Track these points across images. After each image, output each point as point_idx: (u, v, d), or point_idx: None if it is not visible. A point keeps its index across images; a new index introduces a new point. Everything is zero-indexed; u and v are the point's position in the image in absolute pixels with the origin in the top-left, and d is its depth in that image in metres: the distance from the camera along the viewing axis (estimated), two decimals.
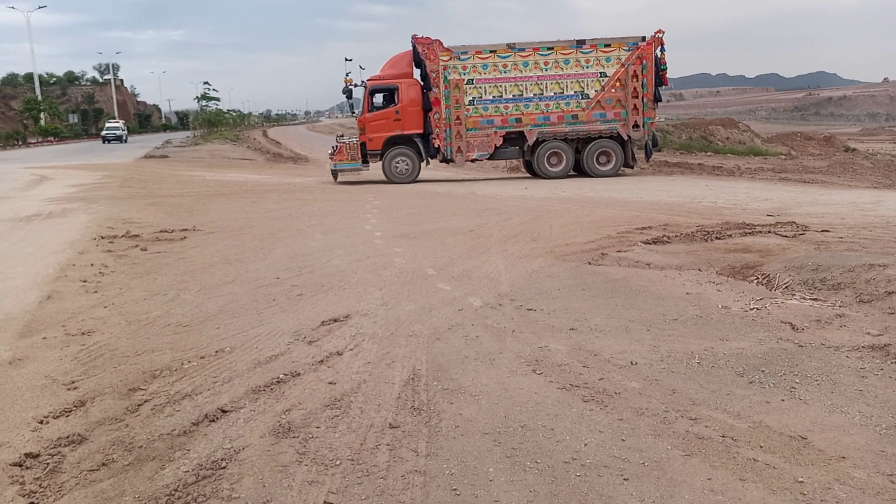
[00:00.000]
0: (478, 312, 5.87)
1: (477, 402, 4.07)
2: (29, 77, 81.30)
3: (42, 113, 67.82)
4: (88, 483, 3.31)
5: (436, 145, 18.67)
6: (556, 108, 18.56)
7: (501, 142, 18.69)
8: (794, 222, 9.94)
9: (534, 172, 19.27)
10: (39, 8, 70.84)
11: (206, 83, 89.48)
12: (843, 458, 3.34)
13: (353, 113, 19.54)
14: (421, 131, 18.70)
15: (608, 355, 4.77)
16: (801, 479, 3.15)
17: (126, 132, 61.79)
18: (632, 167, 19.41)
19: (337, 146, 19.23)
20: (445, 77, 18.42)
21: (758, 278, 6.90)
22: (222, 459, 3.44)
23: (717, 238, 8.88)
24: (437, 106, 18.51)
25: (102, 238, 9.90)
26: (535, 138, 18.59)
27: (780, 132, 49.74)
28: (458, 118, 18.50)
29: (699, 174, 20.76)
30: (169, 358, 4.92)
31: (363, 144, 18.84)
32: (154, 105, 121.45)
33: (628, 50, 18.42)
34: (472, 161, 19.13)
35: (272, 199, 15.41)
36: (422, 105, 18.58)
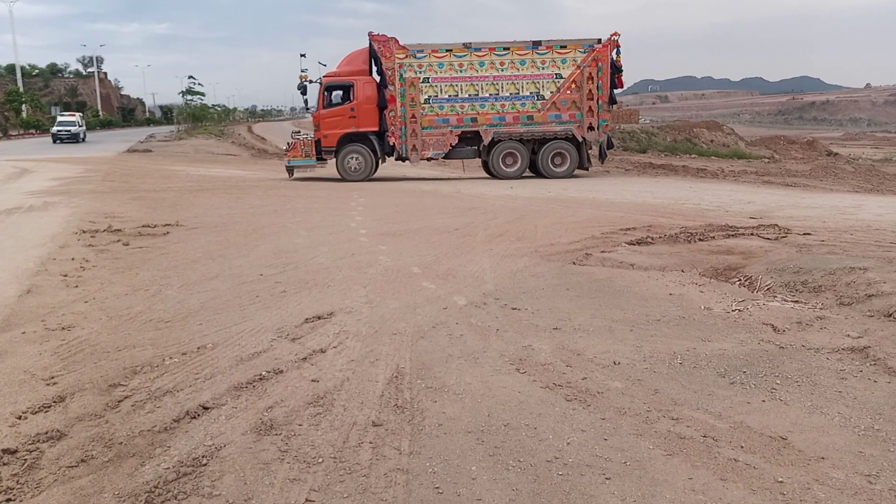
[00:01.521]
0: (462, 311, 5.87)
1: (460, 400, 4.07)
2: (11, 68, 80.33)
3: (24, 105, 67.03)
4: (67, 479, 3.28)
5: (391, 143, 18.72)
6: (512, 108, 18.65)
7: (457, 141, 18.78)
8: (777, 225, 10.02)
9: (491, 173, 19.36)
10: None
11: (190, 77, 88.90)
12: (823, 458, 3.38)
13: (307, 109, 19.64)
14: (376, 129, 18.74)
15: (591, 355, 4.79)
16: (780, 479, 3.18)
17: (84, 128, 49.71)
18: (587, 169, 19.49)
19: (292, 142, 19.24)
20: (401, 75, 18.47)
21: (740, 280, 6.96)
22: (203, 456, 3.42)
23: (700, 240, 8.94)
24: (393, 104, 18.55)
25: (84, 232, 9.80)
26: (490, 138, 18.69)
27: (763, 136, 50.19)
28: (413, 116, 18.55)
29: (683, 176, 20.90)
30: (150, 354, 4.88)
31: (318, 141, 18.84)
32: (138, 99, 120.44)
33: (584, 52, 18.51)
34: (428, 160, 19.27)
35: (256, 194, 15.33)
36: (377, 102, 18.58)
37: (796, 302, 6.06)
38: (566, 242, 8.98)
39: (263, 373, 4.47)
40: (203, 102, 70.40)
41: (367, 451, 3.46)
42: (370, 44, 18.56)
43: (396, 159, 19.21)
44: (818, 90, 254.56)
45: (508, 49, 18.48)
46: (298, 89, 18.78)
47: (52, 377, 4.47)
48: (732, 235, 9.24)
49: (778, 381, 4.31)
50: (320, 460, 3.38)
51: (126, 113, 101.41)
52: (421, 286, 6.74)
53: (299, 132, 20.63)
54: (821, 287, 6.34)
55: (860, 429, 3.68)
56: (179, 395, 4.16)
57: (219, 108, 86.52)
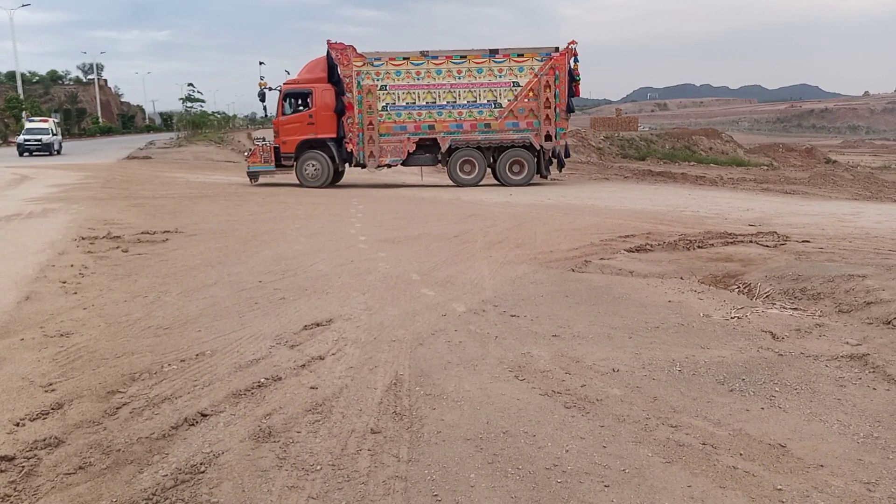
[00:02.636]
0: (461, 318, 5.86)
1: (459, 407, 4.06)
2: (11, 75, 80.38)
3: (24, 112, 67.05)
4: (65, 487, 3.27)
5: (349, 149, 18.93)
6: (470, 116, 18.72)
7: (415, 148, 18.89)
8: (776, 232, 10.03)
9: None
10: (23, 6, 69.93)
11: (190, 84, 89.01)
12: (822, 466, 3.37)
13: (266, 116, 20.01)
14: (334, 135, 18.95)
15: (590, 362, 4.79)
16: (779, 487, 3.17)
17: (59, 136, 41.50)
18: (545, 177, 19.50)
19: (252, 148, 19.50)
20: (359, 82, 18.66)
21: (739, 287, 6.96)
22: (201, 464, 3.41)
23: (699, 247, 8.95)
24: (351, 111, 18.76)
25: (83, 239, 9.80)
26: (447, 145, 18.79)
27: (762, 143, 50.29)
28: (370, 123, 18.72)
29: (682, 183, 20.93)
30: (149, 361, 4.87)
31: (277, 148, 19.11)
32: (138, 106, 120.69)
33: (541, 60, 18.54)
34: (387, 167, 19.36)
35: (256, 201, 15.34)
36: (335, 109, 18.82)
37: (795, 309, 6.06)
38: (565, 249, 8.98)
39: (262, 380, 4.46)
40: (203, 109, 70.55)
41: (365, 458, 3.46)
42: (328, 52, 18.82)
43: (353, 166, 19.42)
44: (817, 98, 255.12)
45: (465, 57, 18.60)
46: (258, 96, 19.17)
47: (51, 384, 4.46)
48: (731, 243, 9.25)
49: (777, 389, 4.30)
50: (318, 467, 3.37)
51: (126, 120, 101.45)
52: (420, 293, 6.74)
53: (263, 139, 20.80)
54: (820, 294, 6.34)
55: (859, 436, 3.68)
56: (178, 402, 4.15)
57: (219, 115, 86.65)
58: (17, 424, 3.90)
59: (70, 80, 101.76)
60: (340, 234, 10.59)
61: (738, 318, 5.75)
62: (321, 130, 18.88)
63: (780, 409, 4.03)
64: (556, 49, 18.61)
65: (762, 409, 4.03)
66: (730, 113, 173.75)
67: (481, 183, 19.04)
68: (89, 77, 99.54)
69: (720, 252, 8.64)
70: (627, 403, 4.10)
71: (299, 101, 19.08)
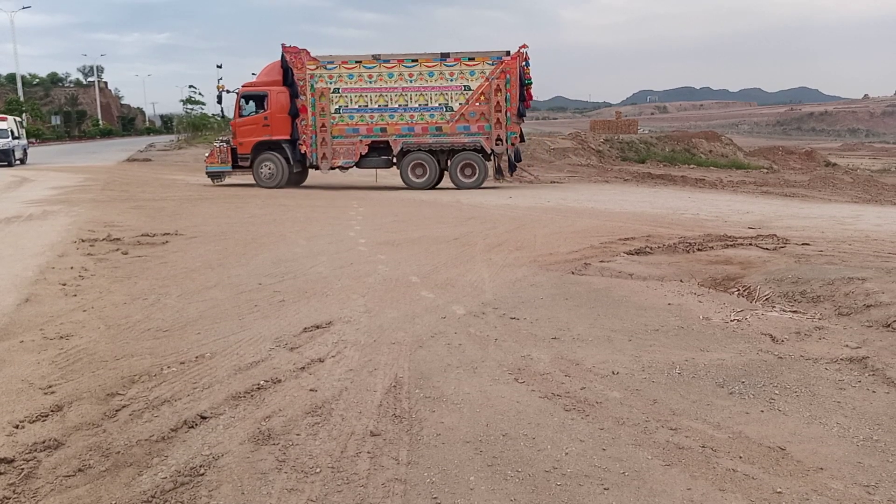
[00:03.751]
0: (461, 321, 5.86)
1: (459, 410, 4.06)
2: (11, 78, 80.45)
3: (24, 114, 67.13)
4: (64, 489, 3.27)
5: (302, 151, 19.20)
6: (421, 119, 18.79)
7: (367, 150, 19.04)
8: (775, 235, 10.04)
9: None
10: (24, 8, 70.16)
11: (191, 86, 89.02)
12: (822, 469, 3.37)
13: (222, 118, 20.45)
14: (289, 137, 19.25)
15: (590, 365, 4.79)
16: (779, 490, 3.17)
17: (22, 140, 33.34)
18: (497, 180, 19.51)
19: (210, 150, 20.07)
20: (312, 85, 18.88)
21: (739, 290, 6.96)
22: (201, 466, 3.41)
23: (699, 250, 8.95)
24: (304, 113, 19.00)
25: (83, 241, 9.80)
26: (399, 148, 18.91)
27: (762, 146, 50.33)
28: (323, 125, 18.95)
29: (682, 186, 20.95)
30: (148, 363, 4.87)
31: (234, 149, 19.56)
32: (138, 108, 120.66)
33: (492, 64, 18.53)
34: (341, 169, 19.55)
35: (256, 204, 15.34)
36: (289, 111, 19.10)
37: (795, 312, 6.06)
38: (565, 252, 8.98)
39: (261, 382, 4.46)
40: (203, 112, 70.53)
41: (364, 460, 3.46)
42: (282, 55, 19.13)
43: (307, 167, 19.72)
44: (816, 101, 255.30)
45: (417, 61, 18.67)
46: (216, 99, 19.59)
47: (50, 386, 4.46)
48: (731, 245, 9.25)
49: (776, 392, 4.30)
50: (318, 470, 3.37)
51: (126, 122, 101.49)
52: (420, 295, 6.74)
53: (227, 140, 21.09)
54: (819, 297, 6.35)
55: (859, 439, 3.68)
56: (177, 405, 4.15)
57: (219, 118, 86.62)
58: (17, 426, 3.89)
59: (70, 82, 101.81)
60: (340, 236, 10.59)
61: (738, 320, 5.75)
62: (276, 132, 19.26)
63: (780, 411, 4.03)
64: (507, 53, 18.63)
65: (762, 411, 4.03)
66: (729, 116, 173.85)
67: (439, 186, 19.12)
68: (89, 79, 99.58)
69: (720, 255, 8.64)
70: (627, 406, 4.10)
71: (256, 104, 19.52)
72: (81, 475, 3.38)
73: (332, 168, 19.30)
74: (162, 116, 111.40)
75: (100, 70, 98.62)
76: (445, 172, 19.23)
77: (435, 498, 3.14)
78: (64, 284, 7.23)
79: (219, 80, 19.37)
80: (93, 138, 75.17)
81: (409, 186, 18.95)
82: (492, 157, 18.94)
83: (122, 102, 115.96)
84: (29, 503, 3.16)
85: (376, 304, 6.44)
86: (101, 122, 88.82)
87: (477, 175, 18.91)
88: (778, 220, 12.46)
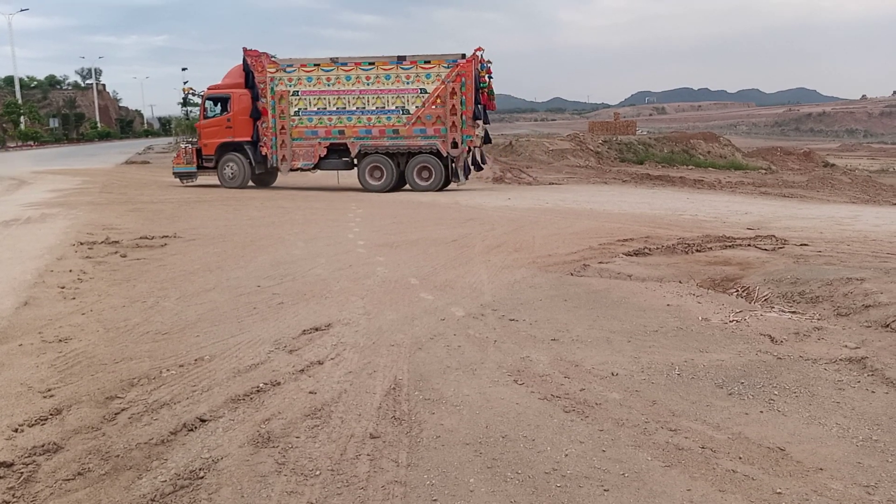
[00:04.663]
0: (460, 322, 5.86)
1: (458, 412, 4.06)
2: (10, 80, 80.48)
3: (22, 117, 67.15)
4: (63, 493, 3.26)
5: (263, 153, 19.56)
6: (378, 122, 18.88)
7: (326, 152, 19.25)
8: (774, 236, 10.04)
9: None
10: (21, 11, 70.10)
11: (191, 89, 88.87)
12: (821, 469, 3.37)
13: (187, 119, 21.15)
14: (250, 139, 19.68)
15: (589, 366, 4.79)
16: (779, 491, 3.17)
17: None
18: (454, 183, 19.46)
19: (177, 151, 20.92)
20: (272, 88, 19.19)
21: (737, 291, 6.96)
22: (200, 469, 3.41)
23: (697, 251, 8.96)
24: (265, 115, 19.36)
25: (81, 244, 9.79)
26: (357, 151, 19.05)
27: (760, 147, 50.37)
28: (283, 128, 19.28)
29: (681, 187, 20.97)
30: (147, 366, 4.87)
31: (199, 150, 20.25)
32: (136, 110, 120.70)
33: (448, 67, 18.53)
34: (301, 170, 19.91)
35: (254, 206, 15.34)
36: (251, 114, 19.53)
37: (794, 313, 6.06)
38: (564, 253, 8.99)
39: (261, 385, 4.46)
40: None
41: (364, 463, 3.46)
42: (244, 58, 19.52)
43: (269, 168, 19.98)
44: (815, 102, 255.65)
45: (374, 64, 18.77)
46: (181, 101, 20.54)
47: (49, 389, 4.46)
48: (730, 246, 9.26)
49: (776, 392, 4.31)
50: (318, 473, 3.37)
51: (124, 125, 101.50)
52: (419, 297, 6.74)
53: (195, 141, 21.65)
54: (818, 298, 6.35)
55: (858, 439, 3.68)
56: (177, 408, 4.15)
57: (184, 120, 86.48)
58: (16, 430, 3.89)
59: (68, 84, 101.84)
60: (339, 238, 10.59)
61: (737, 321, 5.75)
62: (238, 134, 19.72)
63: (779, 412, 4.04)
64: (463, 56, 18.62)
65: (761, 412, 4.04)
66: (728, 117, 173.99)
67: (400, 188, 19.13)
68: (88, 82, 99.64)
69: (718, 255, 8.64)
70: (626, 407, 4.10)
71: (220, 106, 19.99)
72: (81, 479, 3.38)
73: (292, 169, 19.67)
74: (160, 118, 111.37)
75: (98, 72, 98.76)
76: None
77: (435, 500, 3.14)
78: (62, 287, 7.23)
79: (184, 83, 20.25)
80: (91, 141, 75.10)
81: (367, 189, 19.06)
82: (448, 160, 18.81)
83: (121, 105, 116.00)
84: None
85: (375, 306, 6.44)
86: (99, 124, 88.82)
87: (433, 178, 18.92)
88: (776, 220, 12.47)
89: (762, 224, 11.83)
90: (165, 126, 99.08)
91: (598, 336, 5.45)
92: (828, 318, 5.88)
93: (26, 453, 3.61)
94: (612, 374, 4.62)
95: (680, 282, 7.30)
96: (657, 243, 9.47)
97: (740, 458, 3.49)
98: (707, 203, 15.86)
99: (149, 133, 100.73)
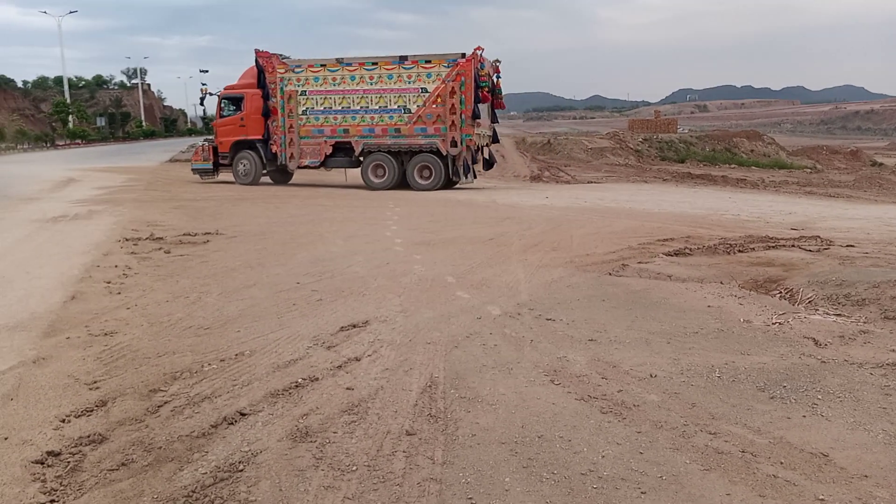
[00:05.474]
0: (496, 321, 5.86)
1: (494, 411, 4.06)
2: (59, 80, 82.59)
3: (70, 116, 68.88)
4: (108, 482, 3.35)
5: (273, 151, 20.16)
6: (381, 121, 19.12)
7: (331, 151, 19.70)
8: (819, 237, 9.82)
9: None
10: (70, 13, 71.95)
11: (204, 84, 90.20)
12: (866, 476, 3.29)
13: (204, 118, 21.86)
14: (262, 137, 20.34)
15: (627, 367, 4.74)
16: (821, 497, 3.11)
17: None
18: (455, 183, 19.42)
19: (195, 148, 21.97)
20: (282, 88, 19.76)
21: (781, 292, 6.83)
22: (240, 462, 3.47)
23: (739, 251, 8.80)
24: (276, 114, 19.92)
25: (127, 240, 10.03)
26: (360, 149, 19.34)
27: (805, 145, 49.28)
28: (291, 126, 19.92)
29: (723, 186, 20.62)
30: (189, 360, 4.96)
31: (215, 147, 21.15)
32: (180, 109, 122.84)
33: (448, 67, 18.53)
34: (310, 168, 20.31)
35: (295, 204, 15.52)
36: (262, 113, 20.14)
37: (839, 315, 5.92)
38: (602, 253, 8.91)
39: (299, 380, 4.52)
40: None
41: (400, 459, 3.48)
42: (256, 59, 20.10)
43: (279, 166, 20.46)
44: (862, 99, 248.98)
45: (377, 64, 19.04)
46: (200, 101, 21.56)
47: (95, 382, 4.58)
48: (773, 247, 9.08)
49: (819, 397, 4.21)
50: (354, 468, 3.40)
51: (168, 123, 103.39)
52: (455, 296, 6.75)
53: (210, 140, 22.42)
54: (864, 300, 6.19)
55: None
56: (217, 401, 4.22)
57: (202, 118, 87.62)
58: (63, 421, 4.01)
59: (115, 84, 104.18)
60: (377, 236, 10.65)
61: (780, 323, 5.64)
62: (251, 132, 20.45)
63: (823, 417, 3.95)
64: (463, 55, 18.59)
65: (804, 416, 3.95)
66: (771, 115, 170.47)
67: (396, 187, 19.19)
68: (133, 81, 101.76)
69: (761, 256, 8.48)
70: (665, 409, 4.05)
71: (234, 105, 20.75)
72: (125, 469, 3.46)
73: (300, 167, 20.21)
74: (203, 117, 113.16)
75: (143, 72, 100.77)
76: None
77: (470, 498, 3.14)
78: (108, 282, 7.41)
79: (202, 84, 21.13)
80: (136, 139, 76.78)
81: (370, 187, 19.29)
82: (448, 159, 18.81)
83: (165, 104, 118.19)
84: (75, 495, 3.25)
85: (412, 303, 6.46)
86: (144, 123, 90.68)
87: (434, 177, 19.00)
88: (822, 221, 12.19)
89: (807, 224, 11.57)
90: (208, 124, 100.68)
91: (636, 337, 5.40)
92: (874, 321, 5.73)
93: (73, 443, 3.72)
94: (651, 376, 4.57)
95: (721, 283, 7.18)
96: (698, 243, 9.33)
97: (781, 463, 3.42)
98: (750, 203, 15.57)
99: (192, 132, 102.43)
